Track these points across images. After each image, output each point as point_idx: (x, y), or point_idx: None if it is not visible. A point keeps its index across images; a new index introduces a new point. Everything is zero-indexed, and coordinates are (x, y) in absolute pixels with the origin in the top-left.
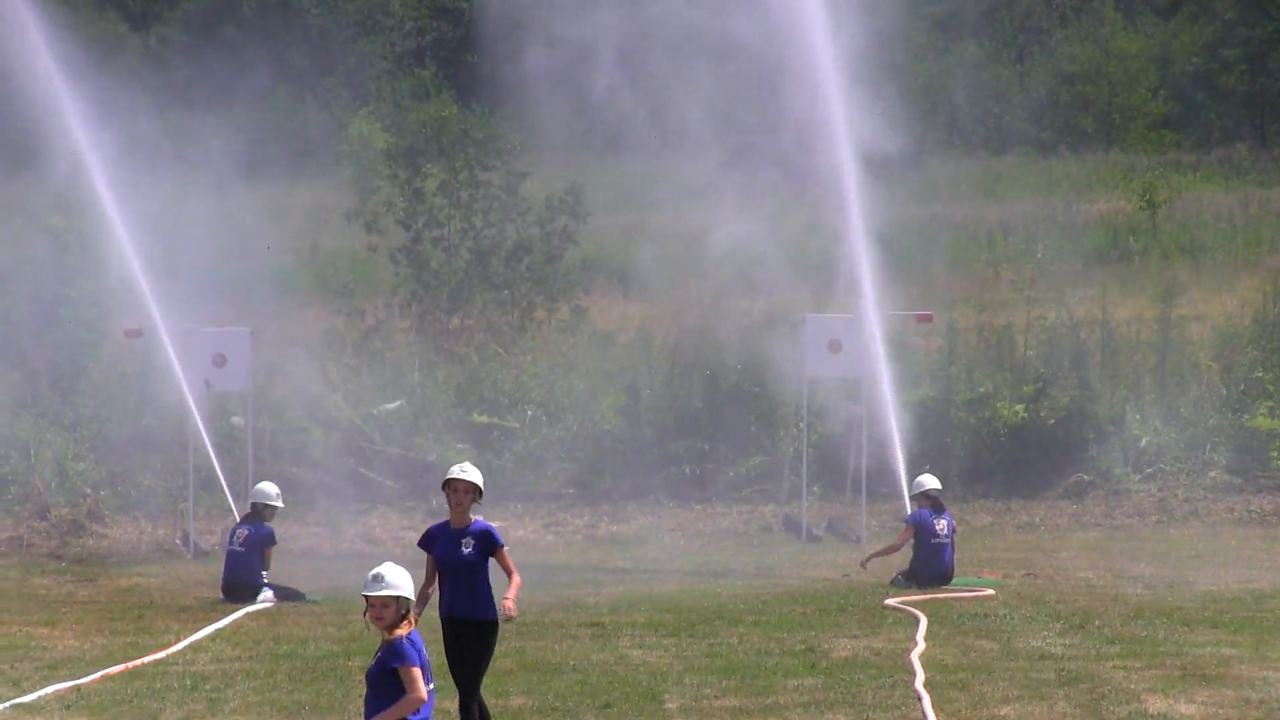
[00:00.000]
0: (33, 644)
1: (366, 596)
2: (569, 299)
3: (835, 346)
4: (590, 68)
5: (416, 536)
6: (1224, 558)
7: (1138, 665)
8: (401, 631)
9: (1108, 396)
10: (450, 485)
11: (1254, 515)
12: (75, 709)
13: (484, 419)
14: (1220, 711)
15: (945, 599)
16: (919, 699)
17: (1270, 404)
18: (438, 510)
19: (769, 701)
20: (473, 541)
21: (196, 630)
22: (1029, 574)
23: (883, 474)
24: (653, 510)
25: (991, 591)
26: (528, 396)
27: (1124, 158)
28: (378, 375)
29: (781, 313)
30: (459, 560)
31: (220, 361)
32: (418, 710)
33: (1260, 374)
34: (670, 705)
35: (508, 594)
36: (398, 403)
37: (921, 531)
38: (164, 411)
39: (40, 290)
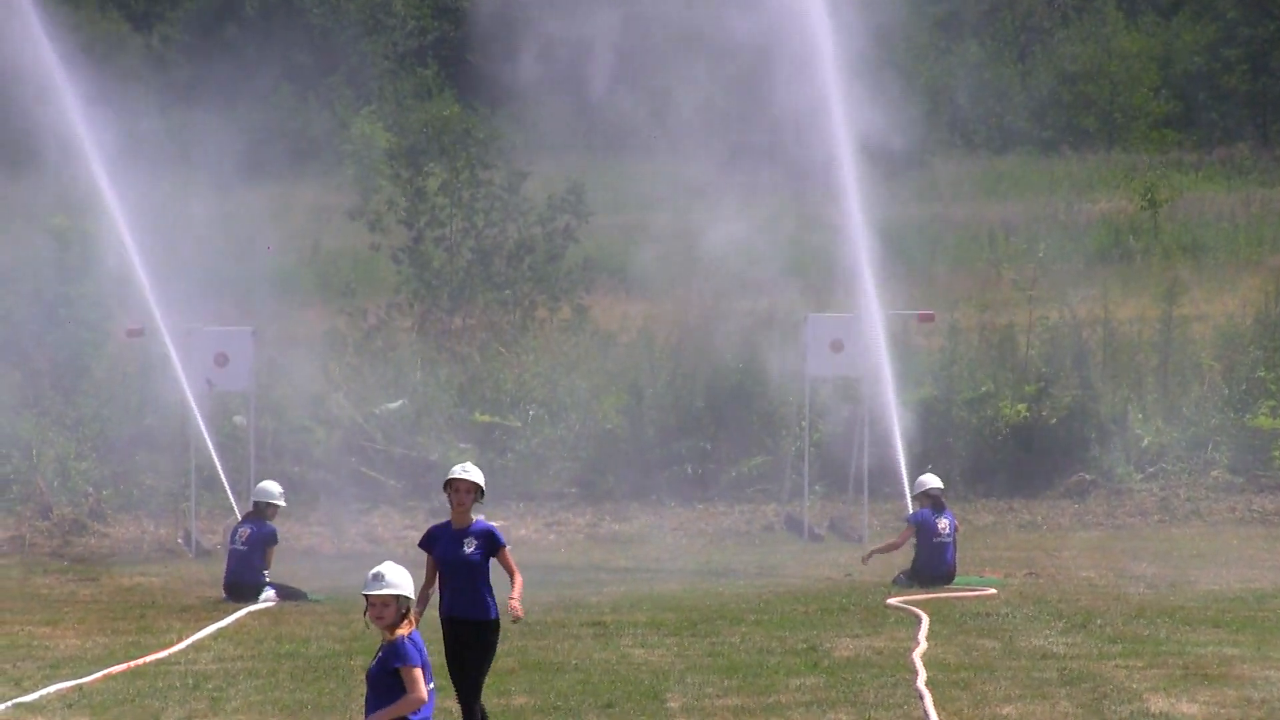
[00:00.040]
0: (35, 643)
1: (367, 596)
2: (570, 298)
3: (837, 346)
4: (588, 67)
5: (418, 536)
6: (1226, 557)
7: (1140, 665)
8: (403, 631)
9: (1110, 396)
10: (452, 485)
11: (1256, 515)
12: (77, 708)
13: (486, 418)
14: (1222, 711)
15: (947, 598)
16: (921, 698)
17: (1272, 403)
18: (440, 510)
19: (771, 701)
20: (475, 541)
21: (198, 629)
22: (1031, 573)
23: (884, 473)
24: (655, 509)
25: (993, 591)
26: (530, 396)
27: (1126, 157)
28: (380, 374)
29: (783, 312)
30: (461, 560)
31: (222, 361)
32: (418, 710)
33: (1262, 373)
34: (672, 704)
35: (513, 594)
36: (400, 402)
37: (923, 531)
38: (166, 411)
39: (42, 290)
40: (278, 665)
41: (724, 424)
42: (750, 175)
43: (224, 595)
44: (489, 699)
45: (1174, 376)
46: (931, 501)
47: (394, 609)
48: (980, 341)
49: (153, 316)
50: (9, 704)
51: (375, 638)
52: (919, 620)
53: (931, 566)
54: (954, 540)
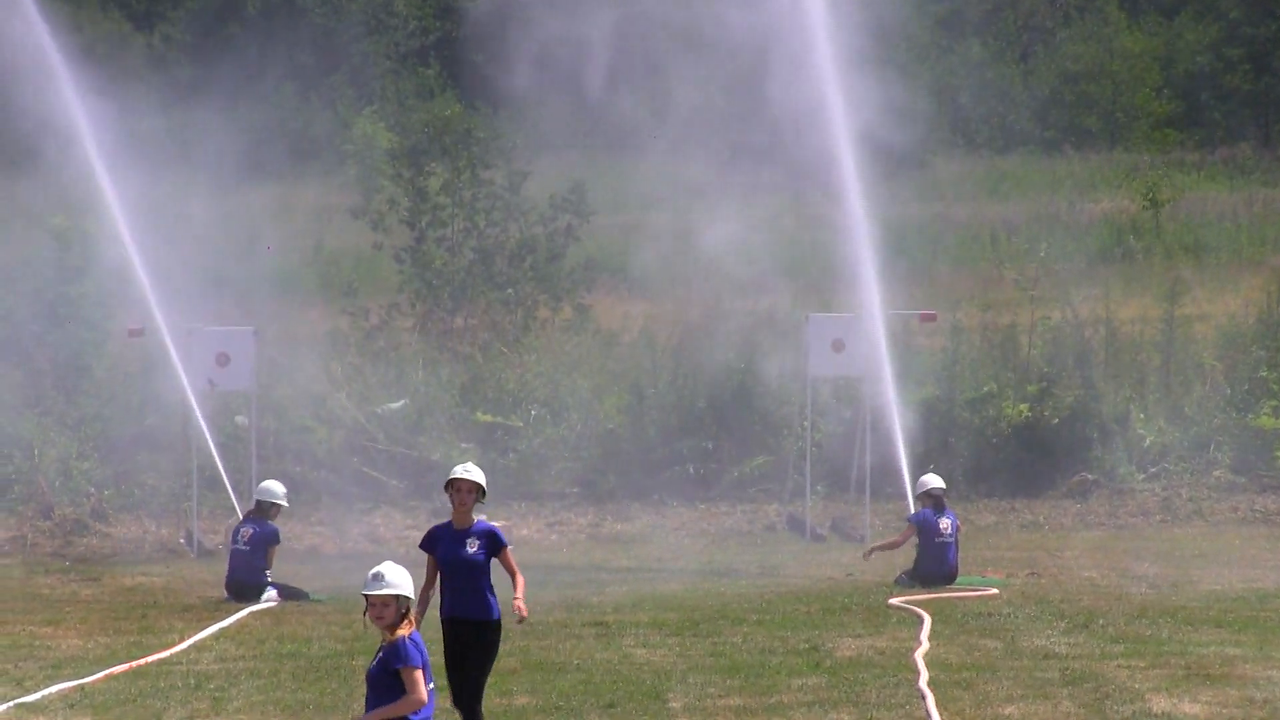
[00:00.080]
0: (36, 643)
1: (366, 596)
2: (572, 298)
3: (839, 346)
4: (587, 67)
5: (420, 536)
6: (1228, 557)
7: (1142, 664)
8: (403, 631)
9: (1112, 396)
10: (453, 485)
11: (1258, 514)
12: (79, 708)
13: (488, 418)
14: (1224, 711)
15: (949, 598)
16: (923, 698)
17: (1274, 403)
18: (441, 510)
19: (773, 701)
20: (478, 542)
21: (200, 629)
22: (1033, 573)
23: (886, 473)
24: (656, 509)
25: (995, 591)
26: (532, 396)
27: (1128, 157)
28: (381, 374)
29: (785, 312)
30: (464, 561)
31: (224, 361)
32: (418, 711)
33: (1264, 373)
34: (674, 704)
35: (517, 595)
36: (402, 402)
37: (925, 531)
38: (168, 411)
39: (43, 290)
40: (280, 665)
41: (726, 424)
42: (751, 175)
43: (226, 595)
44: (490, 699)
45: (1176, 376)
46: (933, 501)
47: (394, 609)
48: (982, 341)
49: (153, 316)
50: (11, 704)
51: (377, 638)
52: (921, 620)
53: (933, 567)
54: (956, 540)
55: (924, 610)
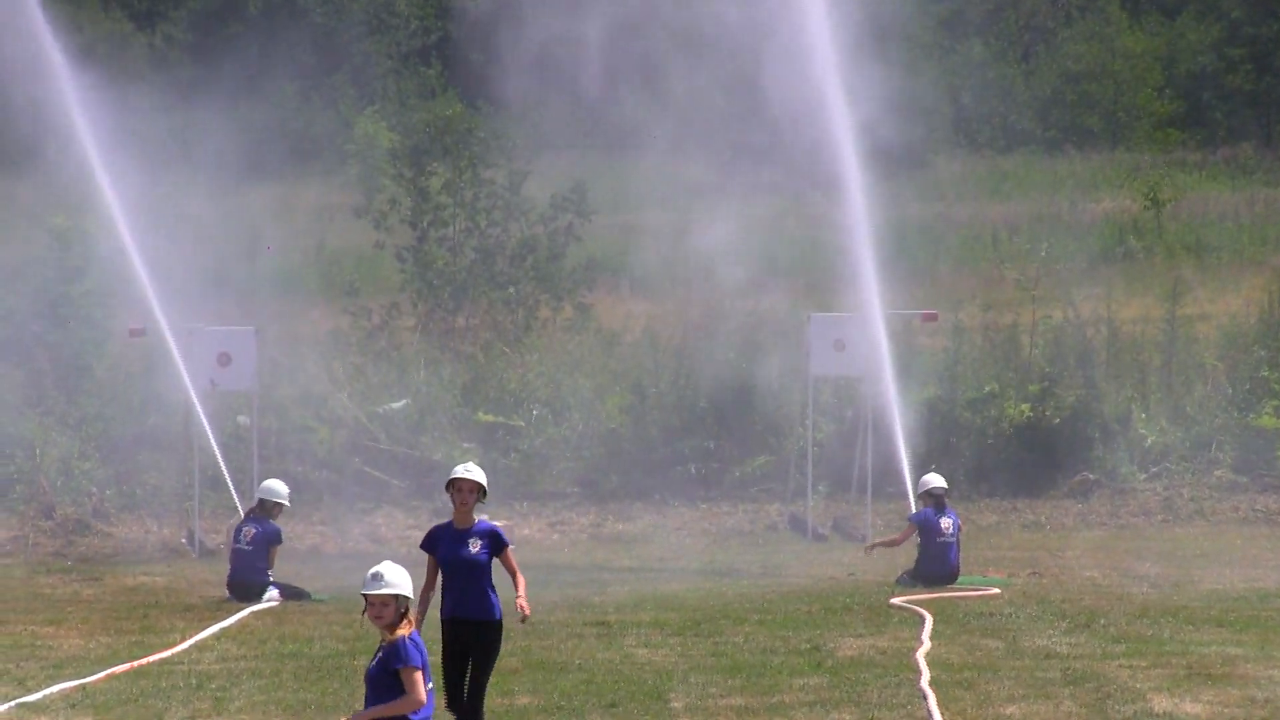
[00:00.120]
0: (38, 643)
1: (365, 595)
2: (573, 298)
3: (840, 346)
4: (587, 66)
5: (422, 536)
6: (1229, 557)
7: (1143, 664)
8: (403, 631)
9: (1113, 396)
10: (454, 485)
11: (1259, 514)
12: (80, 708)
13: (489, 418)
14: (1226, 710)
15: (951, 598)
16: (924, 698)
17: (1276, 403)
18: (443, 510)
19: (774, 700)
20: (480, 541)
21: (202, 629)
22: (1034, 573)
23: (888, 473)
24: (658, 509)
25: (997, 590)
26: (533, 395)
27: (1130, 157)
28: (383, 374)
29: (786, 312)
30: (466, 560)
31: (225, 360)
32: (417, 711)
33: (1266, 373)
34: (675, 704)
35: (519, 594)
36: (403, 402)
37: (926, 530)
38: (169, 411)
39: (44, 289)
40: (281, 665)
41: (727, 424)
42: (752, 174)
43: (227, 594)
44: (492, 699)
45: (1178, 376)
46: (934, 501)
47: (393, 609)
48: (984, 341)
49: (154, 316)
50: (12, 704)
51: (378, 638)
52: (922, 620)
53: (935, 566)
54: (957, 540)
55: (925, 610)
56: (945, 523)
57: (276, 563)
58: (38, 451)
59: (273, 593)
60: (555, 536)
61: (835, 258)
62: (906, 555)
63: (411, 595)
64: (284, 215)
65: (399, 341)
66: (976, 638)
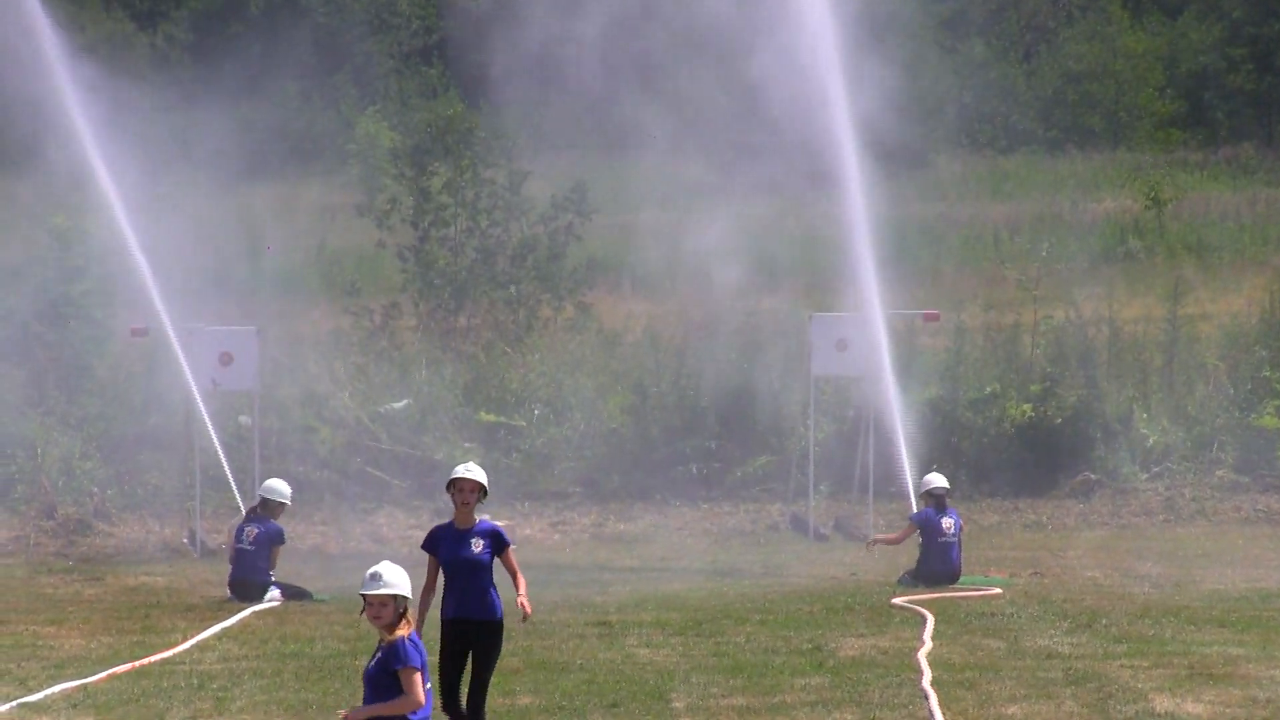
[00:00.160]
0: (39, 643)
1: (364, 595)
2: (574, 297)
3: (842, 345)
4: (588, 66)
5: (423, 535)
6: (1231, 557)
7: (1145, 664)
8: (402, 632)
9: (1115, 396)
10: (455, 485)
11: (1261, 514)
12: (82, 708)
13: (491, 418)
14: (1227, 710)
15: (952, 598)
16: (926, 698)
17: (1277, 403)
18: (444, 509)
19: (776, 700)
20: (482, 541)
21: (203, 629)
22: (1036, 573)
23: (889, 473)
24: (660, 509)
25: (998, 590)
26: (535, 395)
27: (1131, 156)
28: (384, 374)
29: (788, 312)
30: (469, 560)
31: (227, 360)
32: (415, 712)
33: (1267, 373)
34: (677, 704)
35: (520, 593)
36: (405, 401)
37: (927, 530)
38: (170, 410)
39: (45, 289)
40: (282, 665)
41: (729, 424)
42: (754, 174)
43: (229, 594)
44: (493, 699)
45: (1179, 376)
46: (935, 501)
47: (392, 609)
48: (985, 341)
49: (158, 316)
50: (14, 704)
51: (378, 637)
52: (924, 620)
53: (936, 566)
54: (959, 540)
55: (927, 610)
56: (947, 522)
57: (278, 563)
58: (39, 451)
59: (274, 593)
60: (557, 536)
61: (836, 257)
62: (908, 555)
63: (410, 595)
64: (285, 215)
65: (400, 341)
66: (978, 638)
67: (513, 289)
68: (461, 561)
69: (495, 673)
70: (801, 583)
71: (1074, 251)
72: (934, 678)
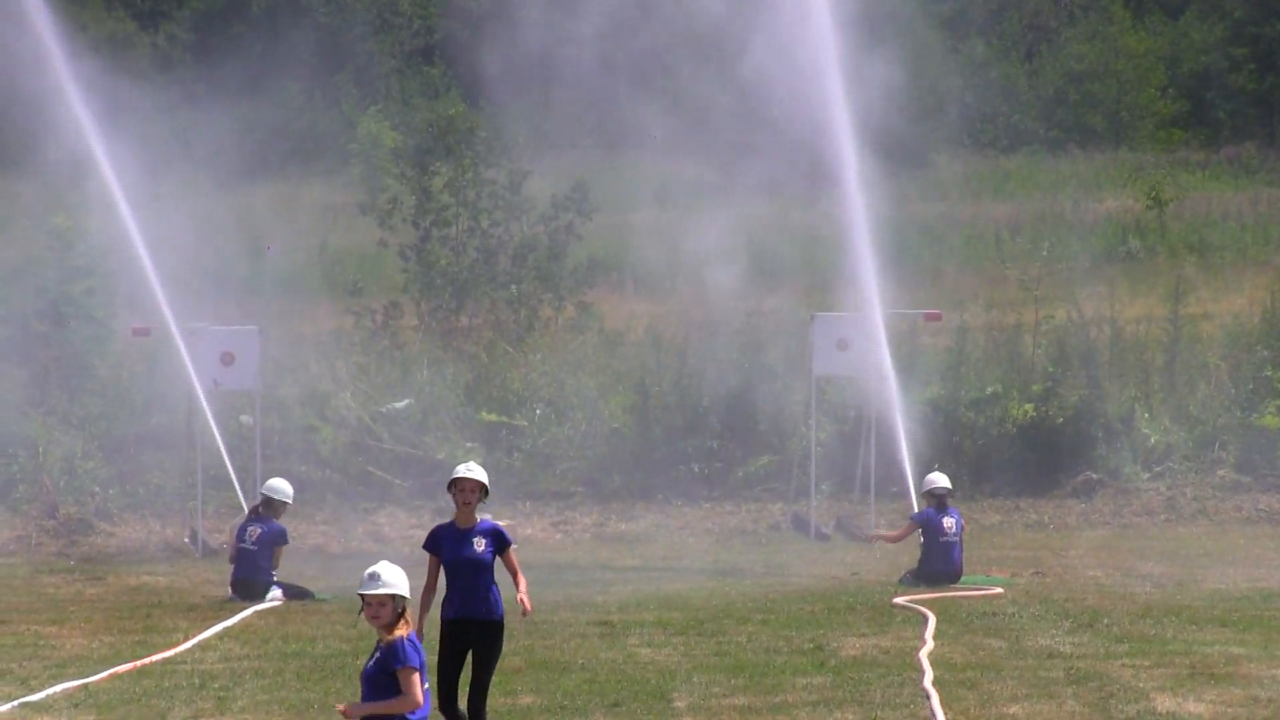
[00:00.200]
0: (41, 642)
1: (362, 595)
2: (574, 296)
3: (843, 345)
4: (587, 65)
5: (425, 535)
6: (1232, 556)
7: (1146, 664)
8: (401, 632)
9: (1116, 395)
10: (457, 485)
11: (1262, 514)
12: (83, 707)
13: (492, 417)
14: (1229, 710)
15: (954, 597)
16: (927, 697)
17: (1279, 403)
18: (446, 509)
19: (777, 700)
20: (484, 540)
21: (205, 629)
22: (1037, 572)
23: (891, 473)
24: (661, 509)
25: (1000, 590)
26: (536, 395)
27: (1133, 156)
28: (386, 373)
29: (789, 311)
30: (471, 560)
31: (228, 360)
32: (413, 712)
33: (1269, 373)
34: (679, 704)
35: (520, 590)
36: (406, 401)
37: (929, 530)
38: (172, 410)
39: (46, 289)
40: (284, 665)
41: (730, 423)
42: (755, 173)
43: (230, 593)
44: (495, 698)
45: (1181, 376)
46: (936, 501)
47: (390, 609)
48: (987, 341)
49: (162, 315)
50: (15, 703)
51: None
52: (925, 619)
53: (938, 566)
54: (960, 540)
55: (928, 609)
56: (948, 522)
57: (280, 563)
58: (41, 451)
59: (276, 592)
60: (558, 536)
61: (837, 257)
62: (910, 555)
63: (408, 595)
64: (287, 215)
65: (402, 341)
66: (979, 637)
67: (514, 289)
68: (463, 561)
69: (496, 672)
70: (803, 582)
71: (1076, 251)
72: (935, 677)
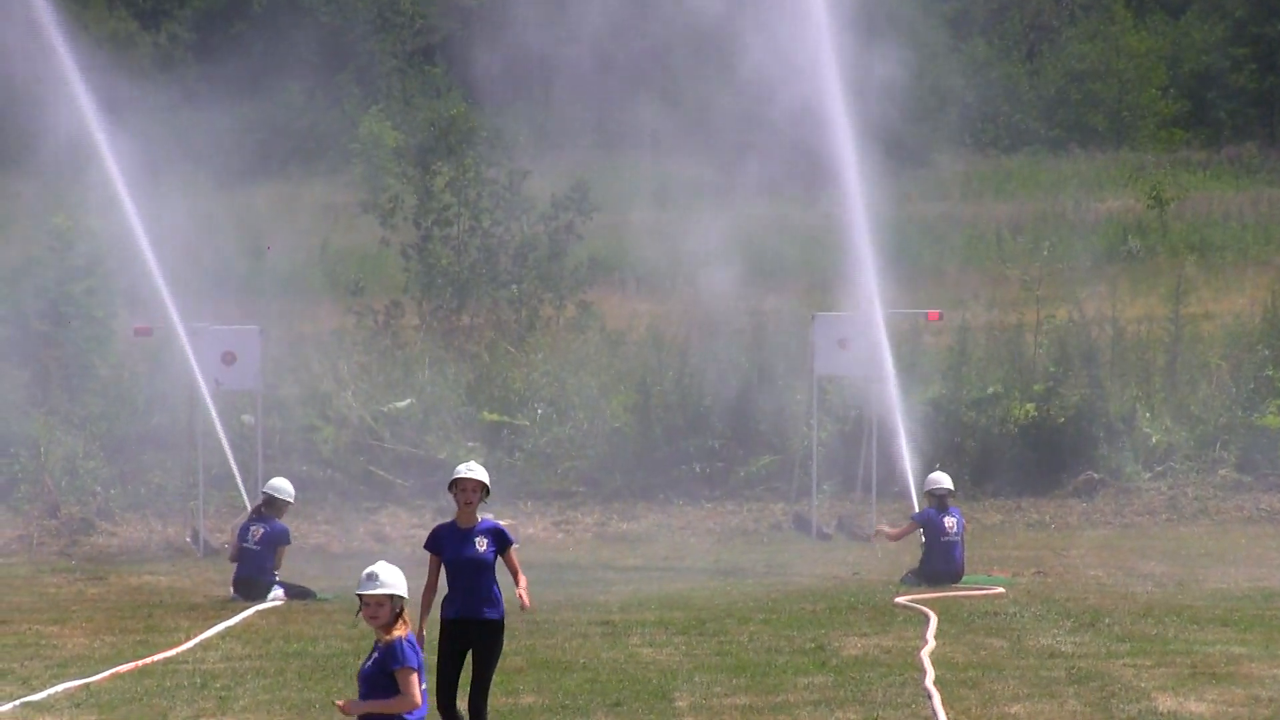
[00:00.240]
0: (42, 642)
1: (360, 595)
2: (575, 296)
3: (844, 345)
4: (586, 65)
5: (426, 535)
6: (1234, 556)
7: (1148, 663)
8: (399, 632)
9: (1118, 395)
10: (458, 485)
11: (1264, 513)
12: (85, 707)
13: (494, 417)
14: (1230, 709)
15: (955, 597)
16: (929, 697)
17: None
18: (447, 509)
19: (779, 700)
20: (486, 540)
21: (206, 628)
22: (1039, 572)
23: (892, 472)
24: (663, 508)
25: (1001, 590)
26: (538, 394)
27: (1134, 156)
28: (388, 373)
29: (791, 311)
30: (473, 560)
31: (230, 360)
32: (411, 712)
33: (1270, 372)
34: (680, 703)
35: (520, 587)
36: (408, 401)
37: (930, 530)
38: (173, 410)
39: (46, 289)
40: (285, 664)
41: (732, 423)
42: (757, 173)
43: (233, 593)
44: (496, 698)
45: (1182, 375)
46: (936, 501)
47: (388, 609)
48: (988, 340)
49: (167, 315)
50: (17, 703)
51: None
52: (927, 619)
53: (939, 565)
54: (961, 539)
55: (930, 609)
56: (949, 522)
57: (283, 563)
58: (42, 451)
59: (277, 592)
60: (560, 536)
61: (838, 257)
62: (911, 555)
63: (406, 596)
64: (288, 214)
65: (403, 340)
66: (981, 637)
67: (515, 288)
68: (465, 561)
69: (498, 672)
70: (805, 582)
71: (1077, 251)
72: (937, 677)
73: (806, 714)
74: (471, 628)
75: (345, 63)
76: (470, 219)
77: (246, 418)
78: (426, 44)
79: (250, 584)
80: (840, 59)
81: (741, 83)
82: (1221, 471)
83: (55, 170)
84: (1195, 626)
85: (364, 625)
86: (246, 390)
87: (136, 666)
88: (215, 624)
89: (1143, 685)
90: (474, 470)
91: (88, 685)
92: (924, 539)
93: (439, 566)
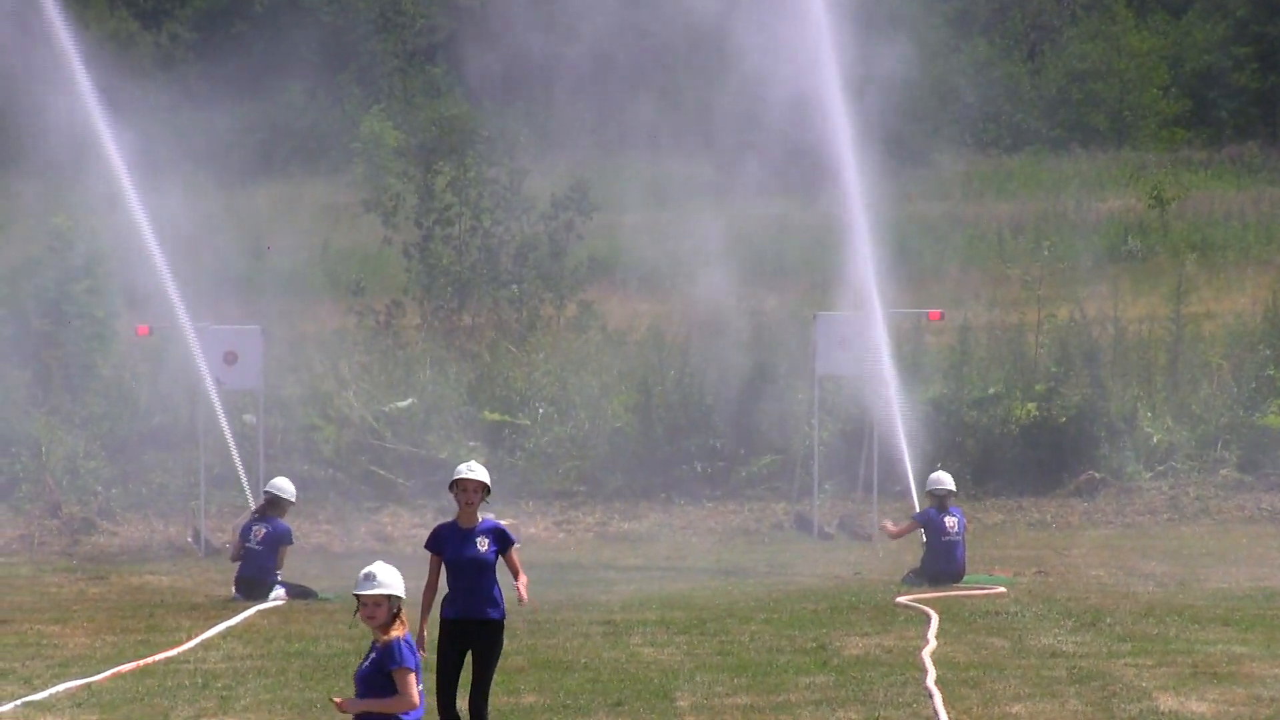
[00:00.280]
0: (44, 642)
1: (358, 596)
2: (575, 295)
3: (846, 344)
4: (586, 64)
5: (427, 534)
6: (1235, 555)
7: (1149, 663)
8: (397, 633)
9: (1119, 395)
10: (459, 485)
11: (1265, 513)
12: (86, 707)
13: (495, 417)
14: (1231, 709)
15: (956, 597)
16: (930, 696)
17: None
18: (448, 508)
19: (780, 699)
20: (487, 540)
21: (207, 628)
22: (1040, 572)
23: (894, 472)
24: (664, 508)
25: (1003, 589)
26: (539, 394)
27: (1135, 155)
28: (389, 373)
29: (792, 310)
30: (474, 560)
31: (231, 359)
32: (408, 713)
33: (1271, 372)
34: (681, 703)
35: (519, 584)
36: (409, 400)
37: (931, 530)
38: (175, 409)
39: (47, 288)
40: (287, 664)
41: (733, 422)
42: (758, 172)
43: (234, 592)
44: (497, 697)
45: (1183, 375)
46: (937, 500)
47: (385, 609)
48: (989, 340)
49: (172, 315)
50: (18, 702)
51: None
52: (928, 619)
53: (941, 565)
54: (962, 539)
55: (931, 609)
56: (950, 521)
57: (285, 562)
58: (44, 450)
59: (279, 592)
60: (561, 535)
61: (839, 256)
62: (913, 554)
63: (404, 596)
64: (289, 214)
65: (405, 340)
66: (982, 636)
67: (515, 288)
68: (466, 561)
69: (499, 672)
70: (806, 581)
71: (1078, 250)
72: (938, 676)
73: (808, 713)
74: (472, 628)
75: (346, 62)
76: (471, 219)
77: (248, 417)
78: (428, 44)
79: (252, 584)
80: (840, 58)
81: (741, 82)
82: (1223, 471)
83: (55, 170)
84: (1196, 626)
85: (353, 626)
86: (248, 390)
87: (138, 666)
88: (217, 624)
89: (1144, 685)
90: (475, 470)
91: (89, 685)
92: (925, 539)
93: (440, 566)
